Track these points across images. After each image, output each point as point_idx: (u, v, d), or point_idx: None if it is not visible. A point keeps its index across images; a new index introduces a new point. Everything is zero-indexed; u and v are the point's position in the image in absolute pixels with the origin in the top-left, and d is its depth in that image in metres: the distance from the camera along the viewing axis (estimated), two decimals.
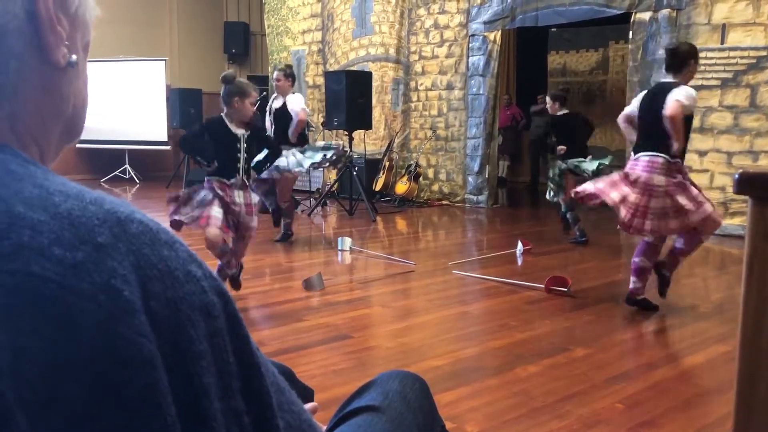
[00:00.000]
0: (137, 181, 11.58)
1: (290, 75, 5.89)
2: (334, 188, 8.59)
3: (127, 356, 0.46)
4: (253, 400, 0.55)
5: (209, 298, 0.53)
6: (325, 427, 1.00)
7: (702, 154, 6.62)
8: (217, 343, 0.52)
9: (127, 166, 11.77)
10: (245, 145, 3.89)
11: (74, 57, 0.60)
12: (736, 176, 0.94)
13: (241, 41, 13.32)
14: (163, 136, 11.49)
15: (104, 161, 11.77)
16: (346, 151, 6.46)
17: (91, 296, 0.46)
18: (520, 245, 5.63)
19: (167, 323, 0.49)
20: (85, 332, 0.45)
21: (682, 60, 3.77)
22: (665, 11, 6.77)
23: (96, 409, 0.45)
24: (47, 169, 0.54)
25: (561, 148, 5.99)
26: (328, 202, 8.62)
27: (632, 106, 4.07)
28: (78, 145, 11.38)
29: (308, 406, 1.04)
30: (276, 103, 5.88)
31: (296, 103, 5.70)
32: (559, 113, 6.13)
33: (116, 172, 11.75)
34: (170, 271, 0.51)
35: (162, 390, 0.47)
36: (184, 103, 10.72)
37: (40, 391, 0.44)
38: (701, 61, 6.58)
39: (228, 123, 3.86)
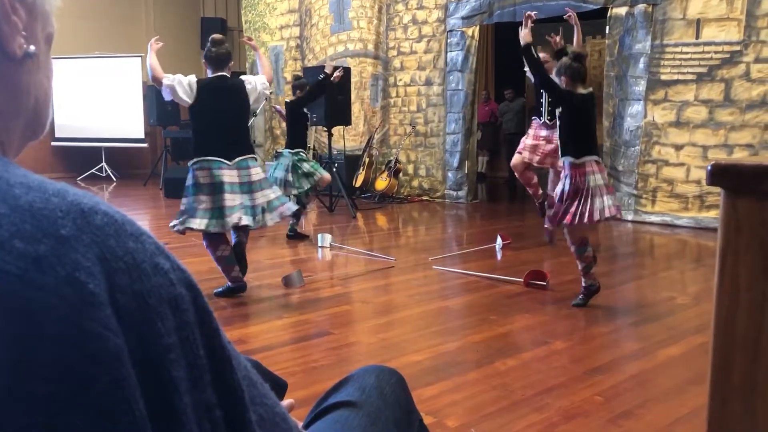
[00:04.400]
0: (114, 179, 11.46)
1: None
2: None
3: (92, 351, 0.45)
4: (224, 394, 0.54)
5: (177, 291, 0.52)
6: (302, 424, 0.99)
7: (678, 147, 6.69)
8: (187, 336, 0.51)
9: (103, 164, 11.64)
10: None
11: (32, 48, 0.58)
12: (709, 168, 0.94)
13: None
14: (140, 134, 11.38)
15: (80, 159, 11.64)
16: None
17: (55, 290, 0.45)
18: (499, 240, 5.65)
19: (134, 316, 0.48)
20: (48, 327, 0.44)
21: None
22: (641, 6, 6.83)
23: (62, 405, 0.43)
24: (8, 160, 0.53)
25: None
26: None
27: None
28: (53, 143, 11.25)
29: (284, 403, 1.03)
30: None
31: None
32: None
33: (93, 170, 11.63)
34: (137, 263, 0.50)
35: (130, 384, 0.46)
36: (161, 100, 10.57)
37: (1, 387, 0.42)
38: (677, 56, 6.71)
39: None
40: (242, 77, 4.03)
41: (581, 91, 3.73)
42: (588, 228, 3.81)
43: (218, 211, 3.79)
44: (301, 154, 5.89)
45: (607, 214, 3.70)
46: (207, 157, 3.81)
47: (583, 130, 3.76)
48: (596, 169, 3.71)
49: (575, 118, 3.75)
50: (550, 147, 5.50)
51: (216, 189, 3.79)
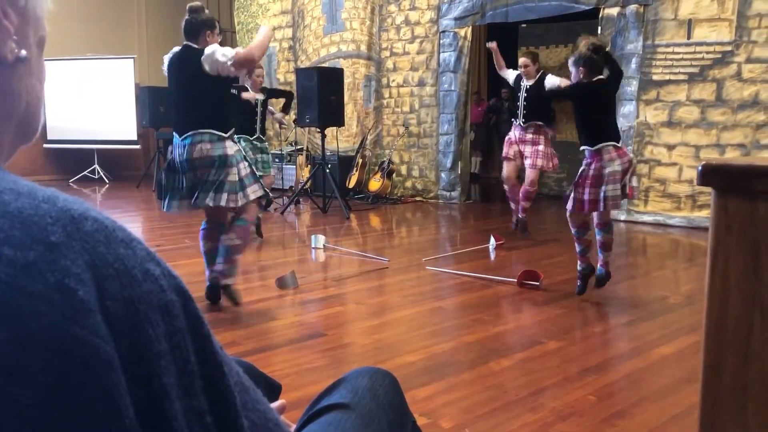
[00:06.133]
0: (107, 182, 11.42)
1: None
2: (307, 186, 8.56)
3: (82, 358, 0.45)
4: (216, 400, 0.54)
5: (168, 297, 0.52)
6: (294, 426, 0.99)
7: (670, 147, 6.72)
8: (177, 342, 0.51)
9: (96, 166, 11.60)
10: None
11: (24, 52, 0.58)
12: (700, 168, 0.95)
13: None
14: (133, 135, 11.34)
15: (73, 161, 11.59)
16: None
17: (44, 297, 0.44)
18: (492, 240, 5.66)
19: (125, 323, 0.48)
20: (38, 334, 0.44)
21: None
22: (633, 7, 6.85)
23: (51, 413, 0.43)
24: None
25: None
26: (301, 199, 8.59)
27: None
28: (45, 145, 11.21)
29: (276, 404, 1.03)
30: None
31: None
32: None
33: (85, 173, 11.58)
34: (127, 269, 0.50)
35: (120, 392, 0.46)
36: (153, 102, 10.58)
37: None
38: (669, 56, 6.73)
39: None
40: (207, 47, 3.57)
41: (594, 79, 3.78)
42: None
43: (174, 192, 3.63)
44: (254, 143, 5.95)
45: (612, 204, 3.80)
46: (173, 133, 3.69)
47: (594, 118, 3.81)
48: (614, 156, 3.76)
49: (586, 108, 3.80)
50: (522, 147, 5.96)
51: (172, 167, 3.65)
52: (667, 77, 6.70)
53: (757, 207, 0.89)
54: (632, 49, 6.89)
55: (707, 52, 6.44)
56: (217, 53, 3.47)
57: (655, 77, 6.77)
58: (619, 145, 3.81)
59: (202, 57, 3.50)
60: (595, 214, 3.94)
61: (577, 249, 3.98)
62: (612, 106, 3.99)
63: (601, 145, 3.77)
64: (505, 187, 6.19)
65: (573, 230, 3.96)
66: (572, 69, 3.82)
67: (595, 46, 3.79)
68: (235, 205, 3.60)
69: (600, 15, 7.14)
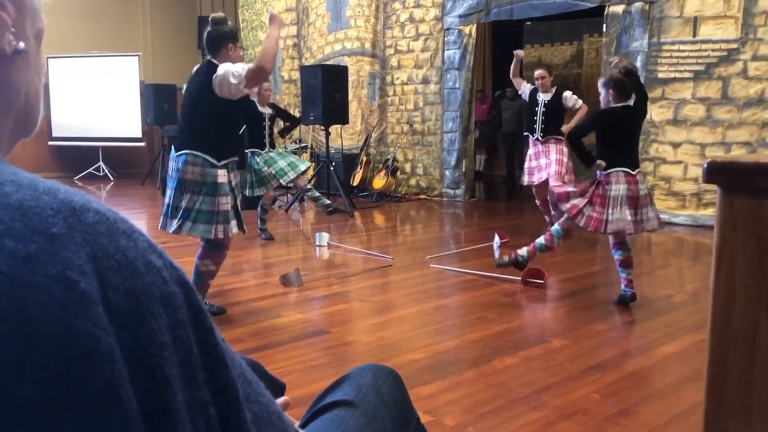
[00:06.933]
0: (111, 179, 11.44)
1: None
2: (311, 184, 8.56)
3: (84, 350, 0.44)
4: (218, 392, 0.54)
5: (170, 289, 0.51)
6: (298, 423, 0.99)
7: (676, 145, 6.70)
8: (180, 334, 0.51)
9: (101, 163, 11.63)
10: None
11: (22, 44, 0.58)
12: (705, 166, 0.94)
13: None
14: (138, 133, 11.37)
15: (78, 158, 11.63)
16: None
17: (45, 289, 0.44)
18: (497, 238, 5.64)
19: (126, 315, 0.47)
20: (39, 326, 0.43)
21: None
22: (638, 4, 6.83)
23: (52, 407, 0.43)
24: None
25: None
26: (305, 197, 8.59)
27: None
28: (50, 143, 11.24)
29: (280, 400, 1.03)
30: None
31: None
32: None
33: (90, 170, 11.61)
34: (129, 261, 0.49)
35: (122, 384, 0.46)
36: (158, 99, 10.61)
37: None
38: (674, 54, 6.71)
39: None
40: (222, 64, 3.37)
41: (619, 104, 3.74)
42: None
43: (166, 208, 3.44)
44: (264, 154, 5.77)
45: (615, 228, 3.72)
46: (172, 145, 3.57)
47: (613, 144, 3.78)
48: (621, 180, 3.71)
49: (607, 133, 3.80)
50: (536, 162, 6.00)
51: (170, 183, 3.46)
52: (672, 75, 6.68)
53: (762, 205, 0.89)
54: (637, 47, 6.87)
55: (713, 50, 6.41)
56: (229, 75, 3.26)
57: (660, 75, 6.75)
58: (632, 172, 3.73)
59: (213, 77, 3.30)
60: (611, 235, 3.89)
61: (545, 235, 4.09)
62: (636, 131, 3.93)
63: (611, 170, 3.72)
64: (537, 201, 6.21)
65: (561, 217, 3.99)
66: (602, 90, 3.78)
67: (626, 69, 3.77)
68: (215, 237, 3.42)
69: (605, 12, 7.12)
